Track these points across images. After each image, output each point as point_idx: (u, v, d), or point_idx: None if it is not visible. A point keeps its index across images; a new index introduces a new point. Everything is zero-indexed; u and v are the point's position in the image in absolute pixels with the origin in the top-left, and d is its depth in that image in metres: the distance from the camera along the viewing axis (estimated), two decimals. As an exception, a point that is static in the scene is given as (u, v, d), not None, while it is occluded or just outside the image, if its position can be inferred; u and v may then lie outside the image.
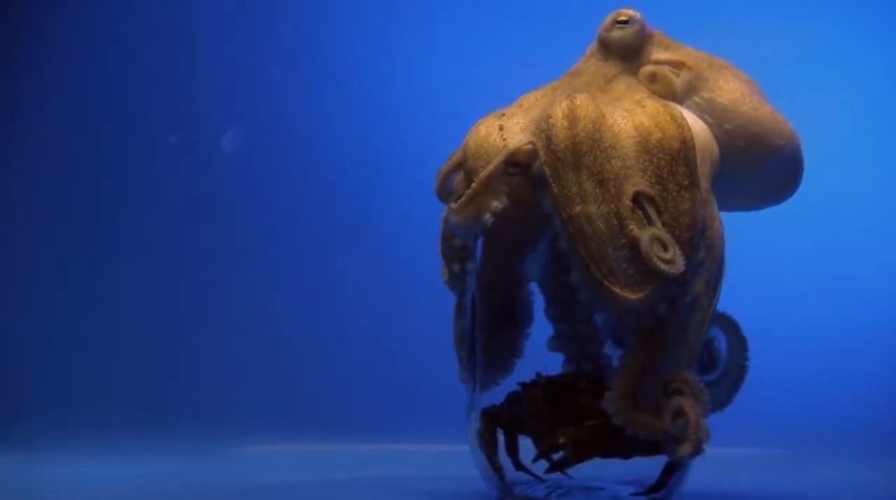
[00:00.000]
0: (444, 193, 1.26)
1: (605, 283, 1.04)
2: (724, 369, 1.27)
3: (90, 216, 1.88)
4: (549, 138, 1.08)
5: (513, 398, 1.21)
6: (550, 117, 1.08)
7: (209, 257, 1.89)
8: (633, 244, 1.04)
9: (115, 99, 1.90)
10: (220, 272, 1.88)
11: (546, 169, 1.07)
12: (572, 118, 1.07)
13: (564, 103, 1.09)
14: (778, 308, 1.68)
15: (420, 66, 1.95)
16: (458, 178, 1.24)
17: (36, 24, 1.88)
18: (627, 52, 1.21)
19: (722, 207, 1.18)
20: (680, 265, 1.04)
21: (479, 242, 1.23)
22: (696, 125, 1.13)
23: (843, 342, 1.73)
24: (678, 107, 1.14)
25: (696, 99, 1.19)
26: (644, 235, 1.04)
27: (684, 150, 1.08)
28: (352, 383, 1.81)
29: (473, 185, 1.11)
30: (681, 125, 1.09)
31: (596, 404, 1.09)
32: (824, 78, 1.75)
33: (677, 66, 1.20)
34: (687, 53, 1.21)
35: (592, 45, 1.23)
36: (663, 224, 1.06)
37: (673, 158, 1.07)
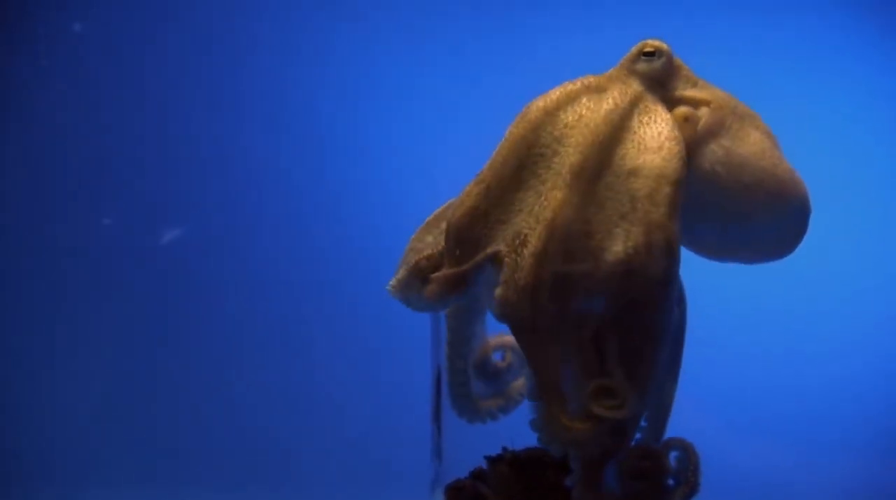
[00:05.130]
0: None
1: (552, 409, 1.01)
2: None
3: (51, 293, 1.86)
4: (513, 269, 1.02)
5: (477, 474, 1.18)
6: (524, 244, 1.02)
7: (173, 319, 1.88)
8: (584, 377, 1.01)
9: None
10: (188, 335, 1.87)
11: (505, 293, 1.02)
12: (542, 257, 1.01)
13: (543, 235, 1.01)
14: (756, 366, 1.68)
15: (396, 131, 1.96)
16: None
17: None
18: (652, 85, 1.13)
19: (720, 259, 1.16)
20: (629, 410, 1.00)
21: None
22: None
23: (819, 405, 1.73)
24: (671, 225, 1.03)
25: (714, 146, 1.12)
26: (591, 386, 1.00)
27: (663, 285, 1.01)
28: (317, 451, 1.80)
29: (444, 271, 1.08)
30: (658, 259, 1.01)
31: (563, 479, 1.07)
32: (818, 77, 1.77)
33: (701, 104, 1.13)
34: (714, 94, 1.15)
35: (616, 70, 1.14)
36: (622, 359, 1.02)
37: (646, 297, 1.01)
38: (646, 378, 1.03)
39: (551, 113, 1.08)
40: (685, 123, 1.11)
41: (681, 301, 1.16)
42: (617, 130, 1.07)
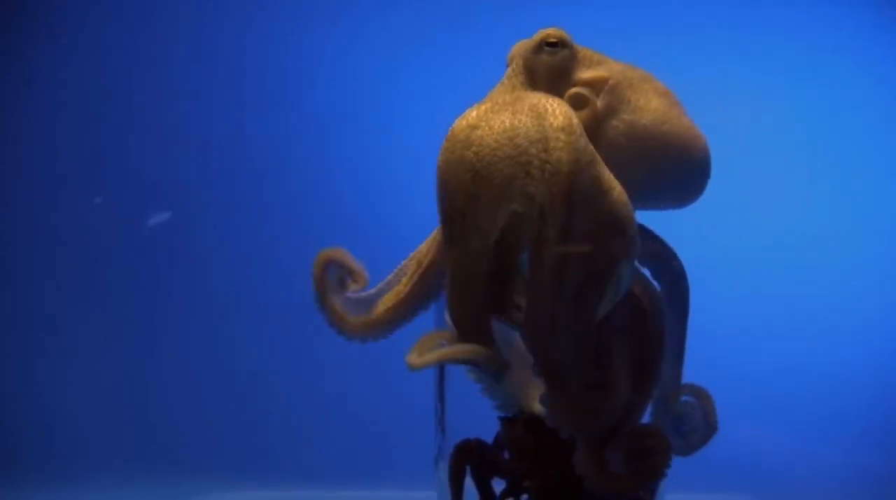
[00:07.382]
0: None
1: (558, 396, 1.03)
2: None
3: (49, 275, 1.85)
4: (539, 242, 1.01)
5: (480, 441, 1.18)
6: (543, 219, 1.00)
7: (170, 308, 1.87)
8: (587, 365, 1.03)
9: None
10: (184, 321, 1.86)
11: (536, 277, 1.02)
12: (568, 229, 1.01)
13: (561, 208, 1.01)
14: (755, 349, 1.71)
15: (394, 116, 1.97)
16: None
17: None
18: (556, 77, 1.13)
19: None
20: (623, 393, 1.03)
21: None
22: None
23: (817, 390, 1.76)
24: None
25: (615, 122, 1.12)
26: (591, 375, 1.03)
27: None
28: (320, 429, 1.79)
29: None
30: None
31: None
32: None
33: (599, 84, 1.13)
34: (610, 69, 1.15)
35: (515, 67, 1.13)
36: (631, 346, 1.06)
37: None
38: (654, 364, 1.07)
39: (476, 125, 1.05)
40: (578, 105, 1.10)
41: (682, 279, 1.19)
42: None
